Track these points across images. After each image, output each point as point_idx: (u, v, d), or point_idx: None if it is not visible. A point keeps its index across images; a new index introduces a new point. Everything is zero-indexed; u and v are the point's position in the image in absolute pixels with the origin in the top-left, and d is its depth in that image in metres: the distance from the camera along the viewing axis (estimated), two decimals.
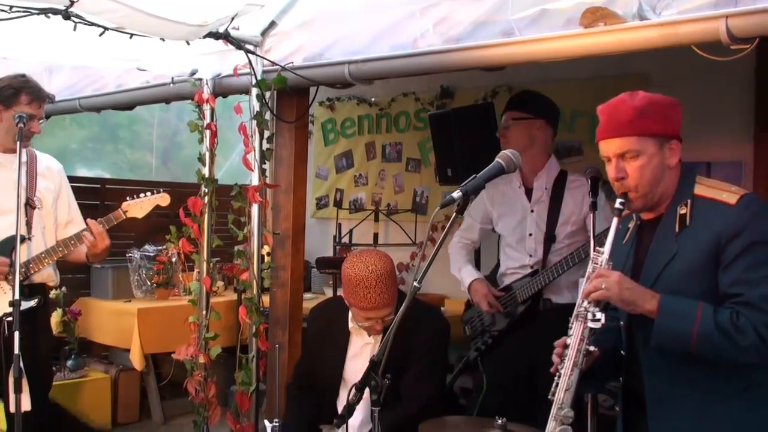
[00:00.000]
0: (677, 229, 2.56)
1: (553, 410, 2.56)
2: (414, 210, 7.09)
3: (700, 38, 2.95)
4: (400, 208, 7.29)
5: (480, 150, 4.68)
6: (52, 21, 3.62)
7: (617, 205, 2.60)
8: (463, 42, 3.71)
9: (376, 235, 7.04)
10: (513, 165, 2.67)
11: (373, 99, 7.55)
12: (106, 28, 3.73)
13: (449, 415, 3.32)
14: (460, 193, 2.52)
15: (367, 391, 2.66)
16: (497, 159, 2.66)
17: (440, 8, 3.97)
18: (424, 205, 7.18)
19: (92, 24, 3.67)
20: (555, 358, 2.65)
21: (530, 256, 4.30)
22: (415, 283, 2.53)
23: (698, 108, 5.48)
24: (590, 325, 2.55)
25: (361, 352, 3.66)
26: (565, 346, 2.62)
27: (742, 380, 2.49)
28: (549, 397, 2.59)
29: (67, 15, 3.56)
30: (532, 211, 4.33)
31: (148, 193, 4.35)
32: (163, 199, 4.38)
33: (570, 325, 2.62)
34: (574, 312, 2.61)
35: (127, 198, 4.33)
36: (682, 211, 2.56)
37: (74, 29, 3.62)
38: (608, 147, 2.62)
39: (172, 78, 4.94)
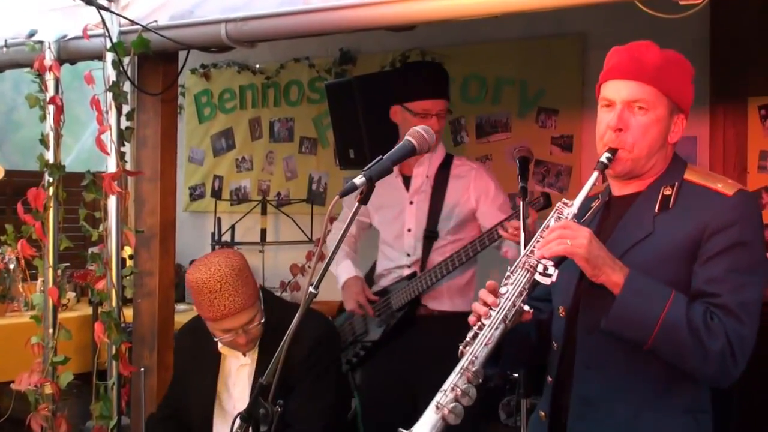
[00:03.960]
0: (657, 210, 2.61)
1: (463, 362, 2.47)
2: (310, 200, 7.10)
3: None
4: (292, 197, 7.30)
5: (388, 127, 4.70)
6: None
7: (604, 159, 2.61)
8: None
9: (263, 231, 7.02)
10: (426, 145, 2.69)
11: (257, 65, 7.52)
12: None
13: None
14: (364, 179, 2.53)
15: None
16: (407, 137, 2.67)
17: None
18: (321, 193, 7.20)
19: None
20: (478, 307, 2.57)
21: (408, 255, 4.43)
22: (311, 289, 2.52)
23: None
24: (539, 278, 2.50)
25: (237, 375, 3.68)
26: (496, 294, 2.55)
27: (687, 400, 2.57)
28: (461, 348, 2.51)
29: None
30: (411, 202, 4.44)
31: None
32: None
33: (509, 273, 2.56)
34: (519, 260, 2.56)
35: None
36: (667, 192, 2.63)
37: None
38: (618, 89, 2.62)
39: (5, 41, 4.83)
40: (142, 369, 3.95)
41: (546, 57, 5.92)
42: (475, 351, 2.47)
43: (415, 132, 2.68)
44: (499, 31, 5.71)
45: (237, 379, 3.67)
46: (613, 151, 2.61)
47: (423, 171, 4.43)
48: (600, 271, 2.47)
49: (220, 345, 3.63)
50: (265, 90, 7.55)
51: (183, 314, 5.76)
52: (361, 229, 4.80)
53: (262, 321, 3.51)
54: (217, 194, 7.82)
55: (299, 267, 6.96)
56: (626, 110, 2.60)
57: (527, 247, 2.56)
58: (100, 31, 4.40)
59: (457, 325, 4.23)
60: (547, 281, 2.48)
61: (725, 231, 2.48)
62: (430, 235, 4.37)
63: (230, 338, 3.50)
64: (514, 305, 2.50)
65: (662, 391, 2.55)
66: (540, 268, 2.48)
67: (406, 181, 4.46)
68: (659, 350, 2.46)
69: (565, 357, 2.73)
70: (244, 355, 3.62)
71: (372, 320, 4.50)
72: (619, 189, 2.75)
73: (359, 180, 2.52)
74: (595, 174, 2.60)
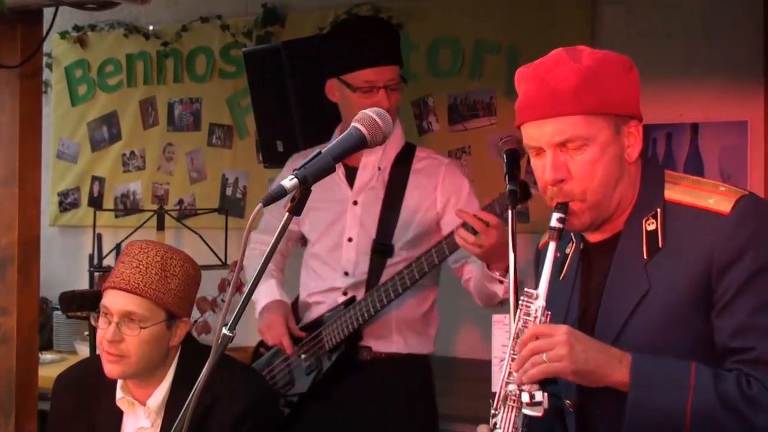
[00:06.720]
0: (645, 255, 2.64)
1: None
2: (223, 210, 7.07)
3: None
4: (199, 206, 7.32)
5: (329, 109, 4.72)
6: None
7: (555, 222, 2.64)
8: None
9: None
10: (381, 135, 2.67)
11: (151, 27, 7.50)
12: None
13: None
14: (296, 181, 2.53)
15: None
16: (355, 124, 2.66)
17: None
18: (239, 200, 7.22)
19: None
20: None
21: (346, 274, 4.38)
22: (225, 330, 2.51)
23: (678, 40, 5.65)
24: (528, 412, 2.56)
25: None
26: None
27: None
28: None
29: None
30: (355, 203, 4.40)
31: None
32: None
33: (493, 410, 2.65)
34: (498, 393, 2.63)
35: None
36: (651, 227, 2.66)
37: None
38: (540, 133, 2.64)
39: None
40: None
41: (543, 15, 5.94)
42: None
43: (365, 117, 2.65)
44: None
45: None
46: (563, 207, 2.65)
47: (374, 161, 4.39)
48: (596, 377, 2.54)
49: (119, 396, 3.64)
50: (161, 60, 7.52)
51: (50, 367, 5.73)
52: (290, 240, 4.78)
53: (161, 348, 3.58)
54: (96, 202, 7.79)
55: (209, 301, 6.94)
56: (560, 154, 2.63)
57: (504, 370, 2.63)
58: None
59: (414, 369, 4.30)
60: (539, 411, 2.55)
61: (736, 264, 2.51)
62: (381, 249, 4.32)
63: (103, 332, 3.52)
64: None
65: None
66: (525, 398, 2.55)
67: (350, 173, 4.42)
68: None
69: None
70: (147, 417, 3.61)
71: (298, 366, 4.45)
72: (592, 235, 2.80)
73: (290, 182, 2.52)
74: (552, 246, 2.64)
